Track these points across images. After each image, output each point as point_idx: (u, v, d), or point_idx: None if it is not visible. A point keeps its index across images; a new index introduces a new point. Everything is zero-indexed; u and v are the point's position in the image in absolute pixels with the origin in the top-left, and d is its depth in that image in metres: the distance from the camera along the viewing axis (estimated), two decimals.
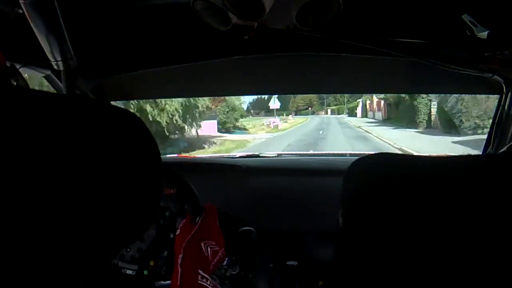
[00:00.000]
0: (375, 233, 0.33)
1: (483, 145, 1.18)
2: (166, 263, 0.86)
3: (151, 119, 11.92)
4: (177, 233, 0.72)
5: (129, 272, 0.86)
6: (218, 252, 0.71)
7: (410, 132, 16.37)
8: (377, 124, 24.11)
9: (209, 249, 0.69)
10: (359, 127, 22.59)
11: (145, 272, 0.86)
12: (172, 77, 1.22)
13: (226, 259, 1.05)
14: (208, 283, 0.64)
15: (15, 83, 0.68)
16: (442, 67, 0.94)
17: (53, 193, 0.30)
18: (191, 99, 13.73)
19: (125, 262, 0.87)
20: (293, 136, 18.91)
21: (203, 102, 15.20)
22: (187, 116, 14.39)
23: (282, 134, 21.59)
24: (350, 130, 21.75)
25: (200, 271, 0.64)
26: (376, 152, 0.44)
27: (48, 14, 0.74)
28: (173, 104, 13.06)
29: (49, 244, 0.30)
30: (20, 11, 0.71)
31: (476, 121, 12.00)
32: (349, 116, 41.95)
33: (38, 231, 0.30)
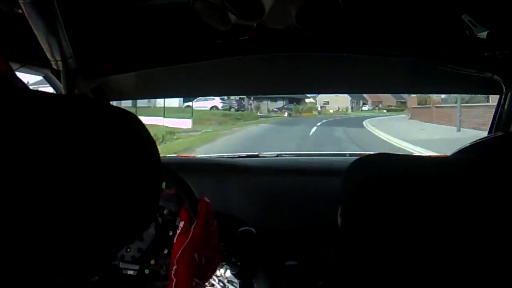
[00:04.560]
0: (374, 232, 0.33)
1: None
2: (166, 261, 0.86)
3: None
4: (174, 241, 0.71)
5: (130, 272, 0.86)
6: (214, 259, 0.72)
7: None
8: None
9: (203, 258, 0.69)
10: None
11: (147, 271, 0.86)
12: (172, 77, 1.22)
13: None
14: None
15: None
16: (442, 67, 0.94)
17: (52, 194, 0.30)
18: None
19: (126, 262, 0.87)
20: None
21: None
22: None
23: None
24: None
25: (195, 279, 0.65)
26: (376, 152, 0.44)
27: (48, 14, 0.74)
28: None
29: (48, 244, 0.30)
30: (20, 11, 0.71)
31: None
32: None
33: (38, 231, 0.30)
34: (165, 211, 0.89)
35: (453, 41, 0.89)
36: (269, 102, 29.00)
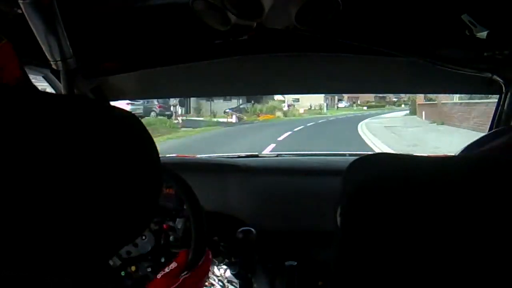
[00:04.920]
0: (373, 232, 0.33)
1: None
2: (143, 276, 0.86)
3: None
4: (158, 275, 0.66)
5: (111, 262, 0.86)
6: None
7: None
8: None
9: None
10: None
11: (122, 273, 0.86)
12: (172, 77, 1.22)
13: (226, 260, 1.05)
14: None
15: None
16: (442, 67, 0.94)
17: (52, 194, 0.30)
18: None
19: None
20: None
21: None
22: None
23: None
24: None
25: None
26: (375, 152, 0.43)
27: (48, 14, 0.74)
28: None
29: (48, 244, 0.30)
30: (19, 11, 0.71)
31: None
32: None
33: (37, 230, 0.30)
34: (171, 238, 0.88)
35: (453, 41, 0.89)
36: (220, 101, 21.43)
